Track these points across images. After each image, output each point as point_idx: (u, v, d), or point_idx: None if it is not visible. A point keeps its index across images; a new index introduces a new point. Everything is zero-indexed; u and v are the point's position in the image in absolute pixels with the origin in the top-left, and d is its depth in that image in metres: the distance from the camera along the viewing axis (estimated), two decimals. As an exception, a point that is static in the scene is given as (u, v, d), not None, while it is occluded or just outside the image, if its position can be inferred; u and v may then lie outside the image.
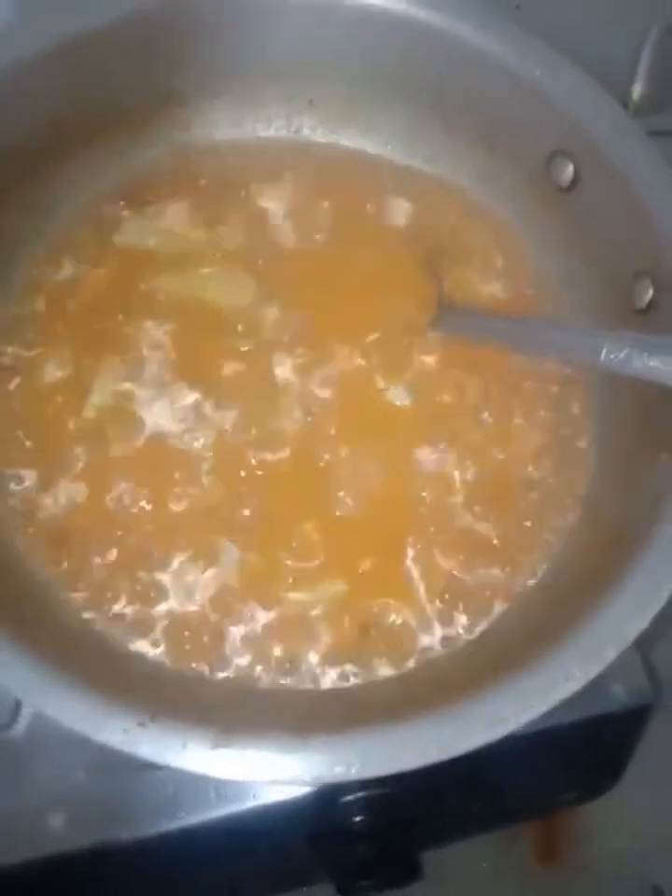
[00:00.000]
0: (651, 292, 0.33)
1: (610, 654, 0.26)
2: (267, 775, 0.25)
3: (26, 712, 0.38)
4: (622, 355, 0.31)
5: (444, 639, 0.33)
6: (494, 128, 0.38)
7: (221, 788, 0.37)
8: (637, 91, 0.38)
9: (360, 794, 0.39)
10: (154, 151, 0.40)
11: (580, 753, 0.44)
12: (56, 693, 0.25)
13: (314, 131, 0.42)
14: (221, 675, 0.32)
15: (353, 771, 0.25)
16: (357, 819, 0.40)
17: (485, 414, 0.37)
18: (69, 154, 0.38)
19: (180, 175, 0.41)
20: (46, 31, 0.34)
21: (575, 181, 0.36)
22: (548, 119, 0.36)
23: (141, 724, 0.24)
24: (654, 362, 0.30)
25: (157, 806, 0.36)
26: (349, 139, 0.42)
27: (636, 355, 0.31)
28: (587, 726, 0.40)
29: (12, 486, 0.34)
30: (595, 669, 0.26)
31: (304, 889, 0.45)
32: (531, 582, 0.34)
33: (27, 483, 0.34)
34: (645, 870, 0.51)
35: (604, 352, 0.31)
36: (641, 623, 0.26)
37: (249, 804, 0.37)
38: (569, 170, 0.36)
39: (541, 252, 0.39)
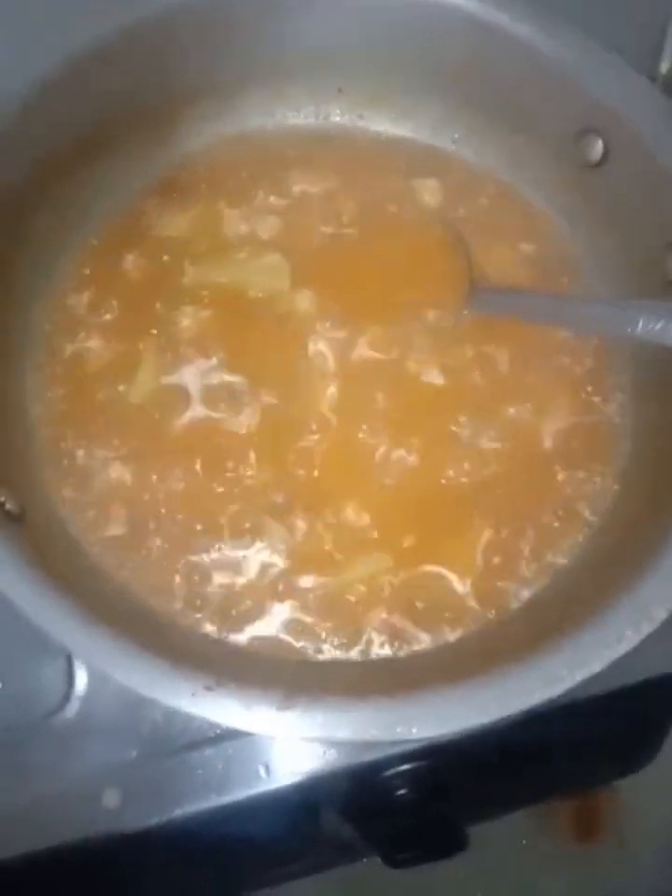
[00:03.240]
0: (682, 264, 0.34)
1: (660, 614, 0.27)
2: (331, 734, 0.26)
3: (77, 695, 0.38)
4: (658, 325, 0.32)
5: (491, 608, 0.34)
6: (522, 108, 0.39)
7: (270, 764, 0.38)
8: (664, 65, 0.38)
9: (402, 768, 0.39)
10: (187, 144, 0.41)
11: (617, 726, 0.44)
12: (126, 660, 0.25)
13: (343, 117, 0.43)
14: (274, 647, 0.33)
15: (414, 731, 0.25)
16: (400, 792, 0.40)
17: (519, 390, 0.37)
18: (104, 152, 0.38)
19: (213, 165, 0.41)
20: (72, 35, 0.35)
21: (604, 157, 0.37)
22: (575, 98, 0.36)
23: (208, 688, 0.25)
24: (692, 331, 0.31)
25: (207, 783, 0.37)
26: (379, 124, 0.43)
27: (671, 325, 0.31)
28: (625, 697, 0.40)
29: (67, 468, 0.35)
30: (646, 628, 0.26)
31: (351, 862, 0.46)
32: (574, 551, 0.34)
33: (83, 466, 0.35)
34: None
35: (640, 323, 0.32)
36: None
37: (297, 779, 0.37)
38: (599, 147, 0.37)
39: (573, 229, 0.40)
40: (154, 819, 0.37)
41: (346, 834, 0.43)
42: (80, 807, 0.37)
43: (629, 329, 0.32)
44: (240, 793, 0.37)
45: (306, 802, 0.39)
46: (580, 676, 0.26)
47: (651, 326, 0.32)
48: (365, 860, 0.47)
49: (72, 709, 0.38)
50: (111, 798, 0.37)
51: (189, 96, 0.41)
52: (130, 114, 0.39)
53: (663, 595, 0.27)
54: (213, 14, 0.38)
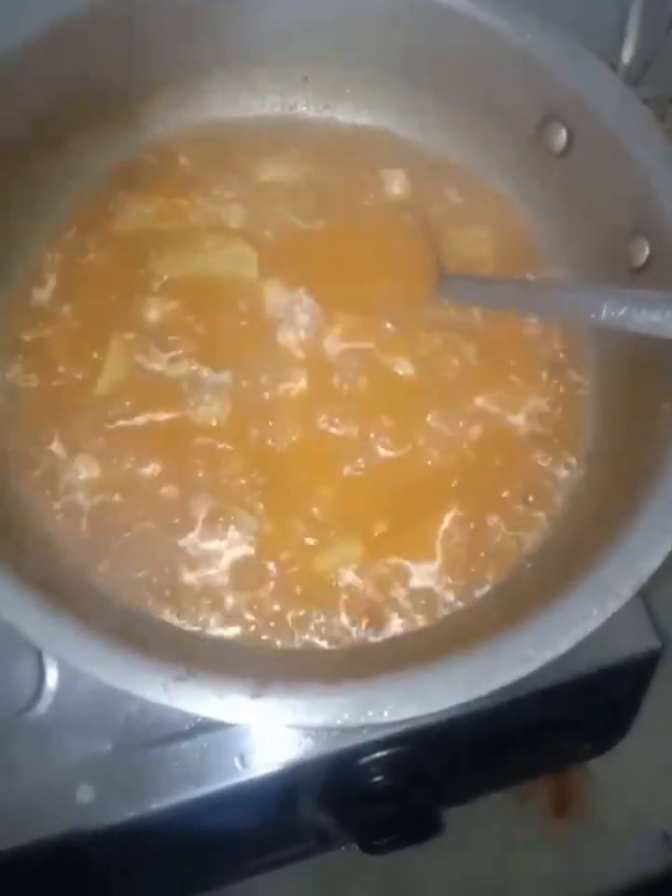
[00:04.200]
0: (647, 250, 0.34)
1: (625, 591, 0.27)
2: (304, 720, 0.26)
3: (48, 690, 0.38)
4: (621, 312, 0.32)
5: (462, 593, 0.34)
6: (487, 97, 0.39)
7: (246, 755, 0.38)
8: (627, 55, 0.39)
9: (378, 755, 0.40)
10: (153, 131, 0.41)
11: (589, 707, 0.45)
12: (96, 653, 0.25)
13: (309, 107, 0.43)
14: (247, 637, 0.33)
15: (386, 714, 0.26)
16: (376, 779, 0.41)
17: (488, 378, 0.38)
18: (63, 141, 0.38)
19: (179, 153, 0.41)
20: (27, 18, 0.35)
21: (568, 145, 0.37)
22: (539, 86, 0.37)
23: (179, 679, 0.25)
24: (654, 317, 0.31)
25: (184, 775, 0.37)
26: (344, 114, 0.43)
27: (635, 311, 0.32)
28: (595, 679, 0.41)
29: (38, 463, 0.34)
30: (612, 606, 0.27)
31: (329, 850, 0.46)
32: (542, 534, 0.35)
33: (50, 460, 0.34)
34: (655, 819, 0.53)
35: (604, 309, 0.32)
36: (654, 561, 0.28)
37: (273, 769, 0.37)
38: (562, 135, 0.37)
39: (538, 216, 0.40)
40: (130, 813, 0.37)
41: (324, 822, 0.44)
42: (55, 803, 0.36)
43: (593, 316, 0.33)
44: (216, 785, 0.37)
45: (283, 791, 0.39)
46: (548, 655, 0.27)
47: (614, 312, 0.32)
48: (343, 848, 0.47)
49: (44, 704, 0.38)
50: (86, 793, 0.37)
51: (154, 83, 0.40)
52: (91, 100, 0.38)
53: (627, 573, 0.28)
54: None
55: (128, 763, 0.37)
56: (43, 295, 0.38)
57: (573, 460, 0.36)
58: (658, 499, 0.28)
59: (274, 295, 0.39)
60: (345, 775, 0.40)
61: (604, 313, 0.33)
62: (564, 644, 0.26)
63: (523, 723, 0.41)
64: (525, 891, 0.52)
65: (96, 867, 0.40)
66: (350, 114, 0.43)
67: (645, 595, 0.40)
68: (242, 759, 0.37)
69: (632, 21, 0.39)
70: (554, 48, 0.36)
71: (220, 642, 0.32)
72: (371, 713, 0.25)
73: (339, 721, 0.25)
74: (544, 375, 0.38)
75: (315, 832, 0.45)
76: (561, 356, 0.38)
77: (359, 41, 0.40)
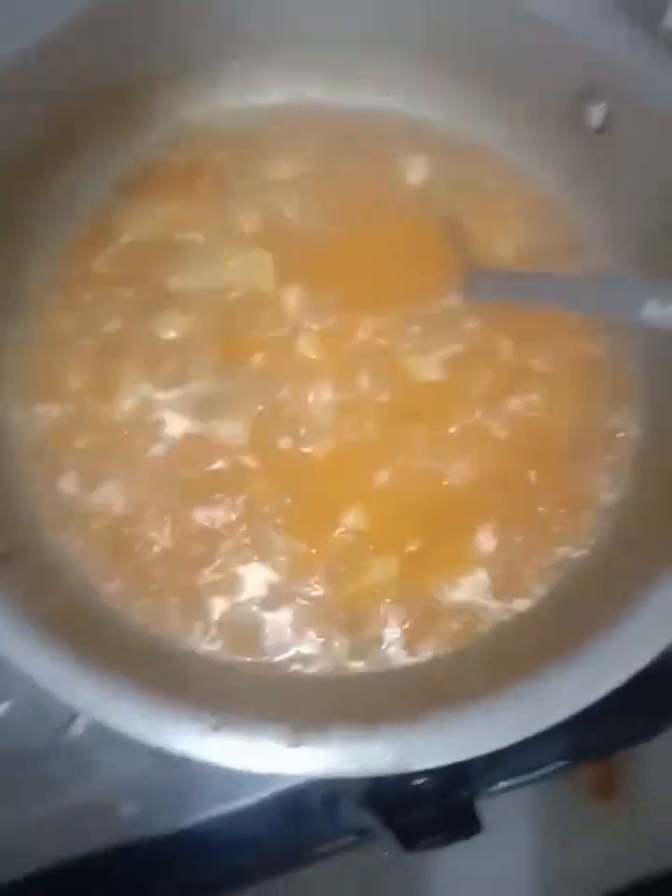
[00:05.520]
0: (698, 240, 0.32)
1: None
2: (341, 770, 0.25)
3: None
4: (669, 308, 0.30)
5: (502, 612, 0.33)
6: (514, 73, 0.36)
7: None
8: (670, 20, 0.35)
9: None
10: (156, 136, 0.38)
11: (636, 697, 0.44)
12: (124, 710, 0.25)
13: (319, 92, 0.40)
14: (282, 666, 0.32)
15: (427, 762, 0.25)
16: (420, 780, 0.40)
17: (521, 383, 0.36)
18: (67, 151, 0.36)
19: (185, 158, 0.39)
20: (31, 21, 0.32)
21: (607, 123, 0.34)
22: (573, 58, 0.34)
23: (214, 728, 0.25)
24: (707, 315, 0.29)
25: (225, 786, 0.37)
26: (359, 99, 0.40)
27: (685, 308, 0.29)
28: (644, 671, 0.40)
29: (58, 494, 0.33)
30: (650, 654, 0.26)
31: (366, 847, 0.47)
32: (587, 547, 0.33)
33: (70, 490, 0.34)
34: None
35: (650, 305, 0.30)
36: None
37: (315, 776, 0.37)
38: (600, 111, 0.34)
39: (575, 203, 0.37)
40: (174, 826, 0.37)
41: (365, 823, 0.44)
42: (98, 819, 0.37)
43: (638, 312, 0.30)
44: (259, 792, 0.37)
45: (325, 796, 0.39)
46: (602, 691, 0.25)
47: (661, 309, 0.30)
48: (381, 843, 0.47)
49: (81, 724, 0.38)
50: (130, 808, 0.37)
51: (156, 82, 0.38)
52: (92, 106, 0.36)
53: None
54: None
55: (171, 776, 0.37)
56: (54, 317, 0.36)
57: (618, 473, 0.34)
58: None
59: (294, 301, 0.37)
60: (389, 778, 0.40)
61: (649, 309, 0.30)
62: (622, 674, 0.25)
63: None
64: (569, 876, 0.52)
65: (137, 880, 0.40)
66: (366, 97, 0.40)
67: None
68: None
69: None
70: (589, 17, 0.32)
71: (255, 674, 0.31)
72: (407, 761, 0.25)
73: (376, 771, 0.25)
74: (584, 380, 0.35)
75: (356, 831, 0.46)
76: (605, 358, 0.35)
77: (374, 17, 0.36)
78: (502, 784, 0.47)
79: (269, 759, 0.25)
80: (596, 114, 0.34)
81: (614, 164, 0.35)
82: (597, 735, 0.46)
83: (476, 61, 0.37)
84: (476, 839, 0.42)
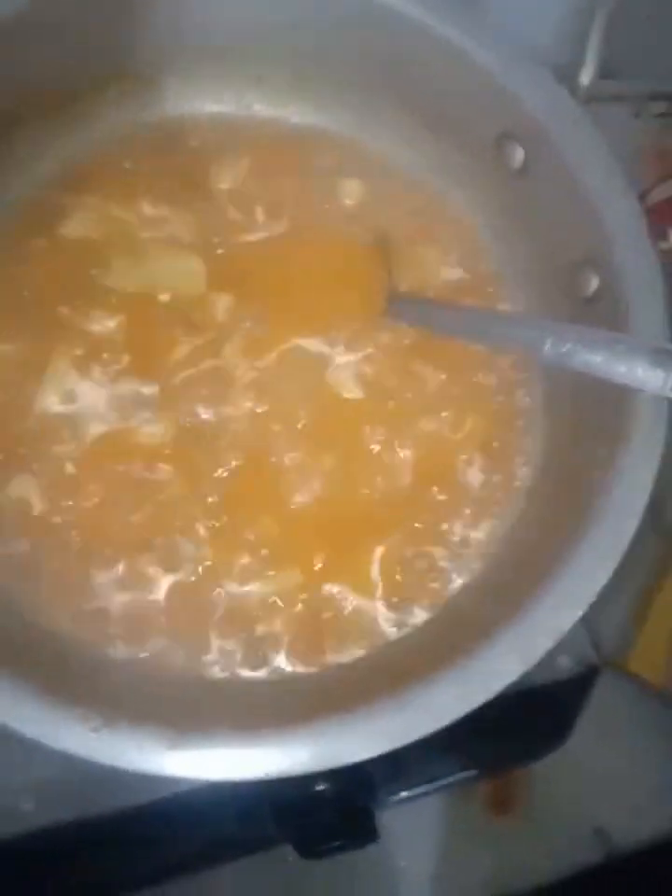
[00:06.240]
0: (595, 282, 0.34)
1: (545, 643, 0.27)
2: (221, 773, 0.26)
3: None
4: (565, 348, 0.31)
5: (399, 623, 0.34)
6: (444, 109, 0.38)
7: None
8: (585, 78, 0.37)
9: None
10: (97, 134, 0.39)
11: (530, 719, 0.46)
12: (11, 702, 0.25)
13: (264, 107, 0.41)
14: (175, 667, 0.32)
15: (303, 766, 0.26)
16: (320, 787, 0.41)
17: (434, 405, 0.37)
18: (4, 141, 0.36)
19: (127, 157, 0.39)
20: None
21: (525, 166, 0.36)
22: (496, 102, 0.35)
23: (94, 730, 0.25)
24: (596, 357, 0.30)
25: (126, 785, 0.37)
26: (299, 116, 0.41)
27: (578, 349, 0.31)
28: (536, 695, 0.42)
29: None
30: (567, 620, 0.27)
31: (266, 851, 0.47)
32: (477, 570, 0.35)
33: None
34: (589, 815, 0.55)
35: (548, 345, 0.31)
36: (572, 617, 0.28)
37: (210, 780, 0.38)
38: (520, 153, 0.36)
39: (494, 236, 0.39)
40: (76, 818, 0.37)
41: (265, 826, 0.44)
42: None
43: (538, 351, 0.32)
44: (156, 794, 0.38)
45: (226, 798, 0.40)
46: (496, 687, 0.27)
47: (557, 348, 0.31)
48: (282, 846, 0.48)
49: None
50: (29, 800, 0.37)
51: (101, 82, 0.38)
52: (33, 101, 0.36)
53: (550, 627, 0.28)
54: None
55: (76, 767, 0.37)
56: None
57: (513, 493, 0.36)
58: (583, 554, 0.28)
59: (223, 309, 0.38)
60: (288, 783, 0.40)
61: (548, 348, 0.32)
62: (512, 673, 0.27)
63: (464, 735, 0.42)
64: (459, 887, 0.53)
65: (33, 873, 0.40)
66: (306, 116, 0.41)
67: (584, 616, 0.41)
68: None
69: (591, 45, 0.37)
70: (515, 67, 0.34)
71: (144, 671, 0.32)
72: (288, 765, 0.26)
73: (258, 774, 0.26)
74: (493, 405, 0.37)
75: (256, 834, 0.46)
76: (513, 387, 0.37)
77: (317, 45, 0.38)
78: (403, 794, 0.49)
79: (150, 760, 0.26)
80: (516, 156, 0.36)
81: (530, 204, 0.37)
82: (493, 752, 0.48)
83: (409, 94, 0.38)
84: (373, 847, 0.43)
